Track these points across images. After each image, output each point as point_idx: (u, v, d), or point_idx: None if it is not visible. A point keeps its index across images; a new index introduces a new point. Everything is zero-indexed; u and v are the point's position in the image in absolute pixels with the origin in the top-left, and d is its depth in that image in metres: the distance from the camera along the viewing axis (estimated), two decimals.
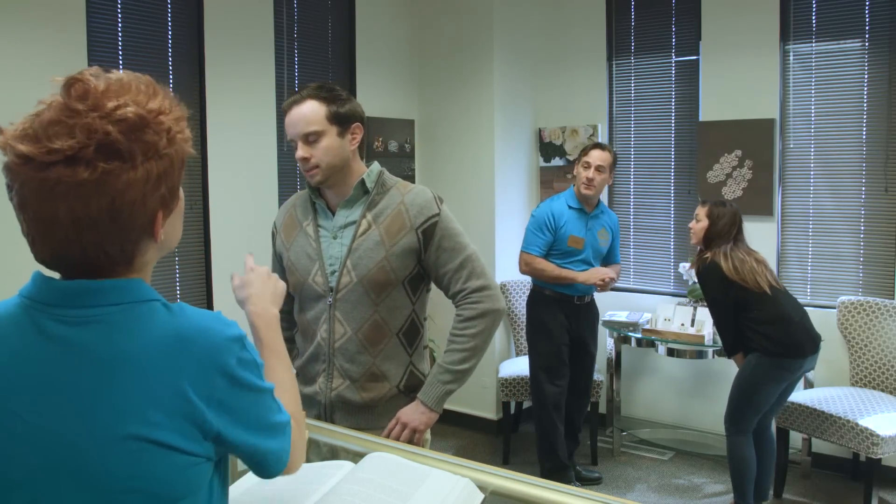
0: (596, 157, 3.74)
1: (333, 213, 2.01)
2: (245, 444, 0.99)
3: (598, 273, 3.78)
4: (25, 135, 0.89)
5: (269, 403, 1.03)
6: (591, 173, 3.73)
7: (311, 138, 1.92)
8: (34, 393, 0.91)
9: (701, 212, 3.61)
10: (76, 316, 0.93)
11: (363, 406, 1.97)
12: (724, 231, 3.51)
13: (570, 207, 3.80)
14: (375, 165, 2.04)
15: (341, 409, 1.99)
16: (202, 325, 0.96)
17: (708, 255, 3.48)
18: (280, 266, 2.11)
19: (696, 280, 3.67)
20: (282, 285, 1.42)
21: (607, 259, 4.00)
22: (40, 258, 0.95)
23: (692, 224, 3.64)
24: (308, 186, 2.05)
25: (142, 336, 0.93)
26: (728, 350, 3.48)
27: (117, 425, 0.89)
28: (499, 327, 2.08)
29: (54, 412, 0.90)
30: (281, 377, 1.24)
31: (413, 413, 1.93)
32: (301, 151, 1.93)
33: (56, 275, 0.98)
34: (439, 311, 3.62)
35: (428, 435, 2.02)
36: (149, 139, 0.93)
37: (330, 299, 1.97)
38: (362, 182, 1.98)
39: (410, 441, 1.91)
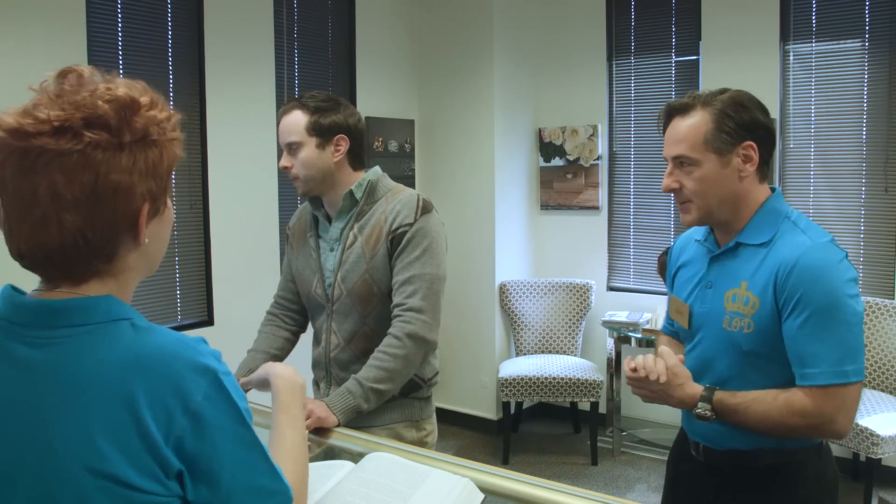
0: (670, 139, 1.63)
1: (331, 224, 2.02)
2: None
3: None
4: (16, 111, 0.87)
5: (252, 460, 0.89)
6: (669, 179, 1.63)
7: (292, 148, 1.93)
8: None
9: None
10: (40, 337, 0.87)
11: None
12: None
13: (696, 241, 1.78)
14: (371, 172, 2.01)
15: None
16: (165, 348, 0.87)
17: None
18: (289, 267, 2.15)
19: None
20: (303, 379, 1.36)
21: (770, 369, 1.57)
22: (15, 248, 0.89)
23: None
24: (308, 196, 2.05)
25: (102, 359, 0.85)
26: None
27: (73, 458, 0.83)
28: (422, 360, 1.91)
29: (12, 441, 0.85)
30: (290, 443, 1.09)
31: (322, 408, 1.79)
32: (283, 160, 1.97)
33: (26, 286, 0.93)
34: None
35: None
36: (138, 124, 0.89)
37: (328, 310, 1.99)
38: (351, 193, 1.97)
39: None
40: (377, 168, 2.05)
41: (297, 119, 1.92)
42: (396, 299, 1.89)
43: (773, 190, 1.65)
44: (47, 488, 0.83)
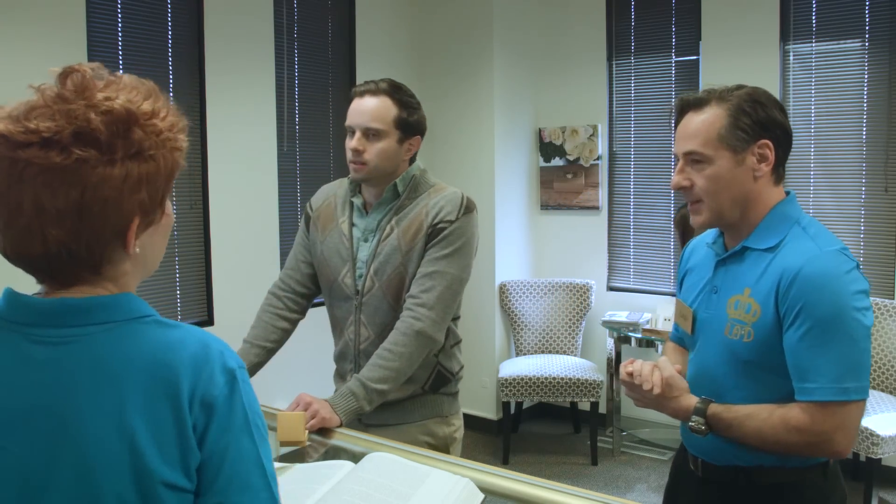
0: (681, 134, 1.56)
1: (368, 213, 1.99)
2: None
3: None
4: (8, 116, 0.84)
5: (248, 469, 0.88)
6: (679, 177, 1.56)
7: (370, 133, 1.91)
8: (16, 421, 0.84)
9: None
10: (54, 336, 0.86)
11: (390, 403, 1.93)
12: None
13: (707, 245, 1.69)
14: (414, 167, 2.00)
15: None
16: (197, 343, 0.88)
17: None
18: (305, 249, 2.09)
19: None
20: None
21: (770, 380, 1.49)
22: (2, 249, 0.88)
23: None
24: (349, 181, 2.02)
25: (132, 354, 0.85)
26: None
27: (110, 455, 0.82)
28: (425, 356, 1.90)
29: (42, 444, 0.83)
30: None
31: (326, 408, 1.78)
32: (356, 143, 1.91)
33: (26, 290, 0.91)
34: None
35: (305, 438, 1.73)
36: (134, 137, 0.86)
37: (356, 301, 1.97)
38: (395, 185, 1.96)
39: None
40: (418, 163, 2.04)
41: (387, 108, 1.91)
42: (413, 290, 1.89)
43: (787, 193, 1.57)
44: (86, 489, 0.82)
